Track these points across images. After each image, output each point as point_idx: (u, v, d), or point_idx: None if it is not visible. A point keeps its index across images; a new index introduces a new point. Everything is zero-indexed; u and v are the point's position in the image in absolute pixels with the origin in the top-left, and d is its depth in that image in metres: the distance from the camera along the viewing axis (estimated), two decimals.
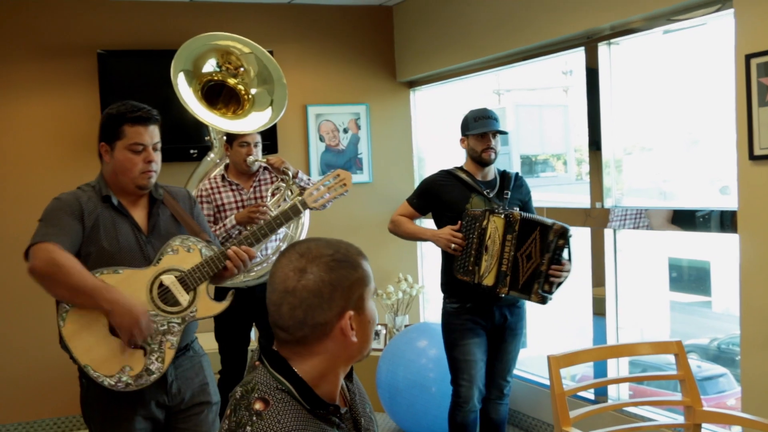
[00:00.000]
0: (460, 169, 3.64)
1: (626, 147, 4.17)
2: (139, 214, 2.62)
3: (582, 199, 4.26)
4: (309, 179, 3.99)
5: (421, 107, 5.67)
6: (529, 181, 3.78)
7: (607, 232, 4.02)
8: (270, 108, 4.05)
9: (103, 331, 2.46)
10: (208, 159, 4.37)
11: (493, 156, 3.54)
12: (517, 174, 3.68)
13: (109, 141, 2.58)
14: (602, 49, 4.01)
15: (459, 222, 3.42)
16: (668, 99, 4.74)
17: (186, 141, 4.92)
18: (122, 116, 2.56)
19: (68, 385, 4.85)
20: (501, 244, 3.33)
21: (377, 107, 5.56)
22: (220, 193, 3.97)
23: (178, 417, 2.61)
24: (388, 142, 5.60)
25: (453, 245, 3.38)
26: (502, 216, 3.33)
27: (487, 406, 3.61)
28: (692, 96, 4.59)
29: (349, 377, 1.70)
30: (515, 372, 4.60)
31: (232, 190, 3.99)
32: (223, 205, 3.95)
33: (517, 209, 3.44)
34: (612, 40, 3.97)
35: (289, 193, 3.97)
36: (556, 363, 2.72)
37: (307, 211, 4.03)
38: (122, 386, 2.45)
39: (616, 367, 4.07)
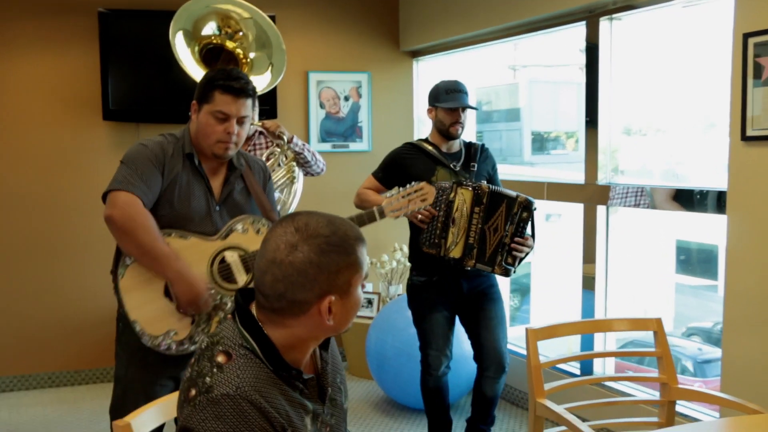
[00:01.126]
0: (425, 140, 3.64)
1: (630, 125, 4.17)
2: (216, 181, 2.65)
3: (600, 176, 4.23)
4: (304, 145, 4.00)
5: (424, 78, 5.65)
6: (541, 158, 3.77)
7: (600, 209, 4.02)
8: (269, 72, 4.04)
9: (158, 292, 2.52)
10: None
11: (460, 131, 3.53)
12: (482, 145, 3.68)
13: (199, 101, 2.59)
14: (604, 24, 3.98)
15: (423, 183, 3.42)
16: (671, 77, 4.71)
17: (188, 103, 4.90)
18: (216, 81, 2.56)
19: (64, 341, 4.96)
20: (469, 216, 3.34)
21: (379, 76, 5.55)
22: None
23: None
24: (389, 111, 5.59)
25: (420, 216, 3.37)
26: (471, 188, 3.34)
27: (484, 382, 3.57)
28: (695, 74, 4.56)
29: (324, 346, 1.72)
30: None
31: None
32: None
33: (485, 182, 3.45)
34: (614, 15, 3.94)
35: (284, 158, 3.98)
36: (533, 335, 2.75)
37: (301, 176, 4.06)
38: (164, 348, 2.50)
39: (603, 344, 4.10)
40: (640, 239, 5.40)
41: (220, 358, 1.50)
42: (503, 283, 4.00)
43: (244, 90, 2.56)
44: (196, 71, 3.85)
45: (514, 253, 3.33)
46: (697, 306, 6.78)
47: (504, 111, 7.51)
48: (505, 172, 6.56)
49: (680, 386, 2.84)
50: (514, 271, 3.38)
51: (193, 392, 1.48)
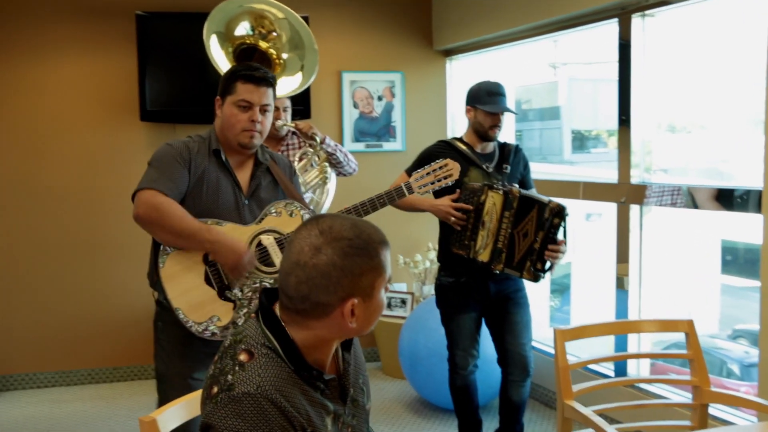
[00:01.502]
0: (459, 140, 3.62)
1: (673, 123, 4.11)
2: (243, 175, 2.70)
3: (636, 175, 4.18)
4: (336, 145, 4.03)
5: (457, 77, 5.64)
6: (581, 157, 3.74)
7: (633, 209, 3.98)
8: (300, 74, 4.07)
9: (199, 279, 2.56)
10: None
11: (497, 133, 3.52)
12: (517, 146, 3.66)
13: (223, 95, 2.67)
14: (636, 20, 3.94)
15: (457, 191, 3.41)
16: (711, 73, 4.63)
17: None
18: (237, 73, 2.65)
19: (103, 338, 5.07)
20: (498, 220, 3.32)
21: (413, 75, 5.56)
22: None
23: None
24: (423, 111, 5.60)
25: (453, 218, 3.37)
26: (501, 192, 3.32)
27: (509, 387, 3.56)
28: (740, 69, 4.47)
29: (346, 347, 1.73)
30: (537, 346, 4.63)
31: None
32: None
33: (516, 185, 3.43)
34: (647, 12, 3.90)
35: (317, 158, 4.02)
36: (561, 336, 2.73)
37: (333, 177, 4.09)
38: (208, 334, 2.54)
39: (638, 346, 4.06)
40: (682, 239, 5.32)
41: (243, 357, 1.52)
42: (541, 284, 3.98)
43: (265, 78, 2.65)
44: None
45: (546, 259, 3.30)
46: (744, 307, 6.64)
47: (543, 109, 7.46)
48: (544, 171, 6.53)
49: (713, 389, 2.80)
50: (543, 277, 3.35)
51: (215, 389, 1.50)
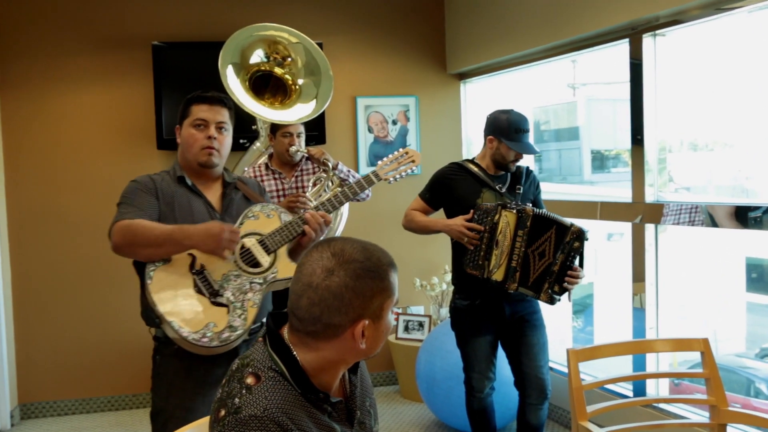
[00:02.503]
0: (472, 161, 3.66)
1: (695, 141, 4.12)
2: (213, 195, 2.78)
3: (650, 194, 4.19)
4: (349, 171, 4.08)
5: (472, 100, 5.68)
6: (601, 177, 3.76)
7: (648, 228, 3.98)
8: (314, 100, 4.11)
9: (189, 289, 2.60)
10: (254, 148, 4.50)
11: (515, 166, 3.58)
12: (527, 168, 3.68)
13: (180, 122, 2.76)
14: (647, 41, 3.96)
15: (471, 211, 3.44)
16: (730, 90, 4.63)
17: (240, 131, 5.04)
18: (191, 98, 2.76)
19: (122, 365, 5.12)
20: (512, 239, 3.33)
21: (427, 99, 5.61)
22: (263, 180, 4.09)
23: None
24: (438, 134, 5.64)
25: (466, 238, 3.40)
26: (515, 211, 3.34)
27: (527, 410, 3.56)
28: (751, 87, 4.47)
29: (353, 370, 1.76)
30: (557, 367, 4.62)
31: (275, 178, 4.10)
32: (264, 193, 4.07)
33: (530, 205, 3.45)
34: (658, 32, 3.92)
35: (330, 183, 4.06)
36: (574, 356, 2.74)
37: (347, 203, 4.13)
38: (206, 341, 2.55)
39: (656, 365, 4.04)
40: (705, 257, 5.28)
41: (249, 380, 1.55)
42: (564, 305, 3.96)
43: (217, 99, 2.75)
44: (247, 102, 3.94)
45: (565, 284, 3.32)
46: None
47: (562, 130, 7.46)
48: (564, 191, 6.52)
49: (731, 408, 2.79)
50: (560, 300, 3.36)
51: (223, 413, 1.52)
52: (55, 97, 5.05)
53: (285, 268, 2.69)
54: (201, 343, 2.55)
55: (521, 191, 3.58)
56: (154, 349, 2.76)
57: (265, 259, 2.68)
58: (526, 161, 3.73)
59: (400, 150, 3.19)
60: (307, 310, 1.55)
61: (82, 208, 5.09)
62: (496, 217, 3.35)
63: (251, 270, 2.67)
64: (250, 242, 2.68)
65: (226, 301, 2.61)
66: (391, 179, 3.16)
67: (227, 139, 2.77)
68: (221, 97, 2.77)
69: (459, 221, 3.45)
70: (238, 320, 2.60)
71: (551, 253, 3.30)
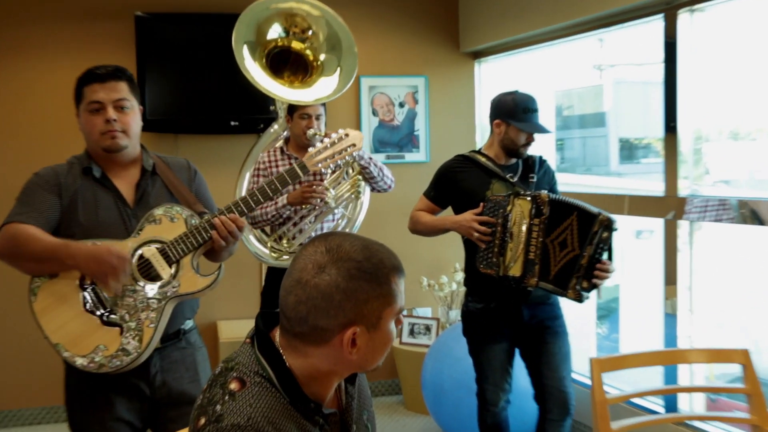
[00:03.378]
0: (479, 152, 3.63)
1: (737, 130, 4.09)
2: (126, 186, 2.67)
3: (685, 187, 4.15)
4: (370, 158, 4.05)
5: (487, 81, 5.64)
6: (630, 168, 3.74)
7: (682, 225, 3.94)
8: (337, 78, 4.03)
9: (77, 308, 2.53)
10: (272, 130, 4.45)
11: (528, 150, 3.55)
12: (540, 157, 3.66)
13: (77, 108, 2.69)
14: (683, 17, 3.91)
15: (481, 204, 3.40)
16: (767, 75, 4.58)
17: (256, 112, 5.06)
18: (81, 78, 2.66)
19: (57, 373, 5.07)
20: (528, 229, 3.30)
21: (437, 80, 5.57)
22: (277, 165, 4.07)
23: (167, 413, 2.64)
24: (449, 118, 5.60)
25: (476, 234, 3.36)
26: (528, 198, 3.31)
27: (547, 427, 3.53)
28: None
29: (350, 379, 1.73)
30: (579, 379, 4.58)
31: (291, 163, 4.08)
32: None
33: (545, 190, 3.42)
34: (696, 7, 3.87)
35: (350, 170, 4.03)
36: (598, 366, 2.70)
37: (367, 190, 4.10)
38: (94, 367, 2.48)
39: (690, 378, 4.00)
40: (745, 257, 5.23)
41: (233, 386, 1.53)
42: (587, 309, 3.93)
43: (109, 74, 2.63)
44: (264, 81, 3.86)
45: (594, 279, 3.27)
46: None
47: (587, 115, 7.41)
48: (588, 183, 6.48)
49: None
50: (588, 298, 3.32)
51: (203, 421, 1.50)
52: (23, 71, 5.00)
53: (188, 282, 2.58)
54: (89, 369, 2.49)
55: (535, 179, 3.55)
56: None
57: (165, 272, 2.57)
58: (539, 150, 3.70)
59: (339, 132, 2.89)
60: (294, 308, 1.53)
61: None
62: (509, 207, 3.32)
63: (150, 284, 2.57)
64: (150, 252, 2.57)
65: (119, 321, 2.53)
66: (324, 169, 2.96)
67: (132, 116, 2.65)
68: (114, 70, 2.65)
69: (468, 216, 3.42)
70: (131, 342, 2.51)
71: (575, 243, 3.26)
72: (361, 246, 1.55)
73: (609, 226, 3.23)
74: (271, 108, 4.40)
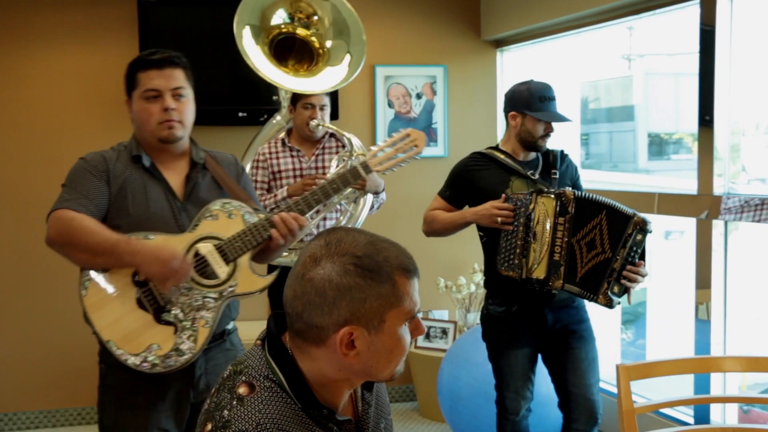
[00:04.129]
0: (496, 148, 3.62)
1: (761, 123, 4.06)
2: (176, 179, 2.69)
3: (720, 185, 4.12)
4: (383, 200, 4.07)
5: (510, 71, 5.61)
6: (659, 164, 3.72)
7: (716, 224, 3.90)
8: (345, 64, 4.02)
9: (131, 304, 2.54)
10: (274, 121, 4.45)
11: (547, 142, 3.52)
12: (562, 152, 3.64)
13: (129, 93, 2.68)
14: (722, 1, 3.87)
15: (503, 196, 3.38)
16: None
17: (258, 102, 5.06)
18: (135, 63, 2.65)
19: (93, 374, 5.07)
20: (552, 229, 3.28)
21: (457, 70, 5.55)
22: (278, 158, 4.07)
23: None
24: (469, 110, 5.58)
25: (500, 219, 3.33)
26: (552, 196, 3.29)
27: None
28: None
29: (368, 386, 1.72)
30: (603, 386, 4.55)
31: (292, 156, 4.08)
32: (279, 172, 4.05)
33: (569, 188, 3.40)
34: None
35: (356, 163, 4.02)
36: (626, 374, 2.67)
37: None
38: (147, 366, 2.50)
39: (723, 387, 3.97)
40: None
41: (242, 390, 1.53)
42: (611, 313, 3.89)
43: (168, 60, 2.63)
44: (267, 69, 3.87)
45: (626, 282, 3.23)
46: None
47: (614, 109, 7.37)
48: (615, 180, 6.45)
49: None
50: (619, 302, 3.29)
51: (209, 426, 1.51)
52: (21, 58, 5.01)
53: (245, 282, 2.59)
54: (141, 369, 2.50)
55: (557, 176, 3.53)
56: (99, 354, 2.68)
57: (222, 270, 2.58)
58: (562, 144, 3.67)
59: (400, 132, 2.94)
60: (291, 303, 1.53)
61: (53, 189, 5.03)
62: (531, 205, 3.31)
63: (205, 282, 2.58)
64: (206, 249, 2.58)
65: (173, 319, 2.54)
66: (386, 171, 2.95)
67: (189, 105, 2.67)
68: (172, 57, 2.65)
69: (488, 204, 3.41)
70: (186, 343, 2.53)
71: (606, 244, 3.23)
72: (366, 242, 1.53)
73: (643, 228, 3.20)
74: (274, 98, 4.39)
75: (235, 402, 1.51)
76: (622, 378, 2.68)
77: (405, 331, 1.55)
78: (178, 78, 2.64)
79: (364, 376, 1.58)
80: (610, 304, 3.25)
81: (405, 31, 5.47)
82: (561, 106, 3.56)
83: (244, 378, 1.55)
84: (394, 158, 2.90)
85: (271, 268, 4.15)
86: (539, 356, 3.60)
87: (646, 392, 4.24)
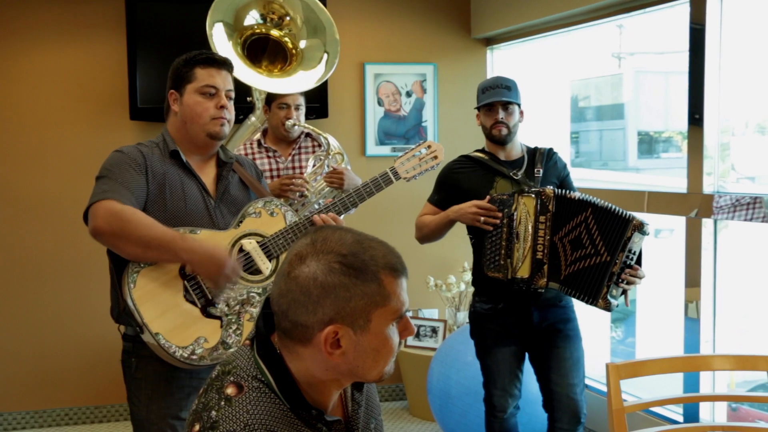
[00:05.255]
0: (481, 150, 3.65)
1: (757, 123, 4.09)
2: (207, 177, 2.77)
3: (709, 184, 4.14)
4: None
5: (500, 69, 5.63)
6: (648, 163, 3.73)
7: (706, 224, 3.93)
8: (318, 66, 4.07)
9: (178, 297, 2.60)
10: (249, 122, 4.47)
11: (504, 132, 3.53)
12: (550, 150, 3.66)
13: (179, 87, 2.74)
14: (712, 1, 3.90)
15: (487, 197, 3.41)
16: None
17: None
18: (194, 59, 2.73)
19: (83, 373, 5.09)
20: (534, 227, 3.32)
21: (447, 68, 5.56)
22: (254, 159, 4.07)
23: None
24: (459, 109, 5.59)
25: (482, 218, 3.36)
26: (533, 195, 3.32)
27: None
28: None
29: (358, 386, 1.73)
30: (593, 385, 4.58)
31: (268, 157, 4.08)
32: None
33: (550, 186, 3.42)
34: None
35: (333, 163, 4.03)
36: (615, 372, 2.69)
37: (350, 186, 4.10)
38: (196, 359, 2.56)
39: (712, 385, 4.00)
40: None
41: (230, 390, 1.53)
42: (602, 312, 3.89)
43: (225, 62, 2.77)
44: (241, 69, 3.90)
45: (624, 285, 3.25)
46: None
47: (604, 107, 7.39)
48: (604, 179, 6.47)
49: None
50: (617, 305, 3.29)
51: (197, 427, 1.51)
52: (6, 55, 5.00)
53: None
54: (190, 361, 2.55)
55: (541, 173, 3.55)
56: (125, 351, 2.74)
57: (266, 266, 2.69)
58: (549, 142, 3.69)
59: (421, 143, 3.16)
60: (277, 301, 1.54)
61: (39, 188, 5.05)
62: (513, 206, 3.35)
63: (250, 277, 2.67)
64: (251, 245, 2.68)
65: (219, 313, 2.61)
66: (410, 178, 3.14)
67: (233, 108, 2.79)
68: (228, 61, 2.79)
69: (470, 203, 3.44)
70: (232, 336, 2.60)
71: (600, 246, 3.22)
72: (352, 240, 1.53)
73: (642, 230, 3.21)
74: (248, 99, 4.41)
75: (223, 402, 1.51)
76: (612, 377, 2.70)
77: (393, 332, 1.55)
78: (231, 81, 2.78)
79: (351, 377, 1.59)
80: (608, 308, 3.27)
81: (395, 28, 5.48)
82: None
83: (232, 378, 1.55)
84: (418, 167, 3.12)
85: None
86: (526, 355, 3.63)
87: (635, 391, 4.27)
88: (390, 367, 1.58)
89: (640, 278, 3.27)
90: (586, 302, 3.31)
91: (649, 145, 7.13)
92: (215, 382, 1.57)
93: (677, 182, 4.22)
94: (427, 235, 3.65)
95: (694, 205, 3.95)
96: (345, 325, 1.50)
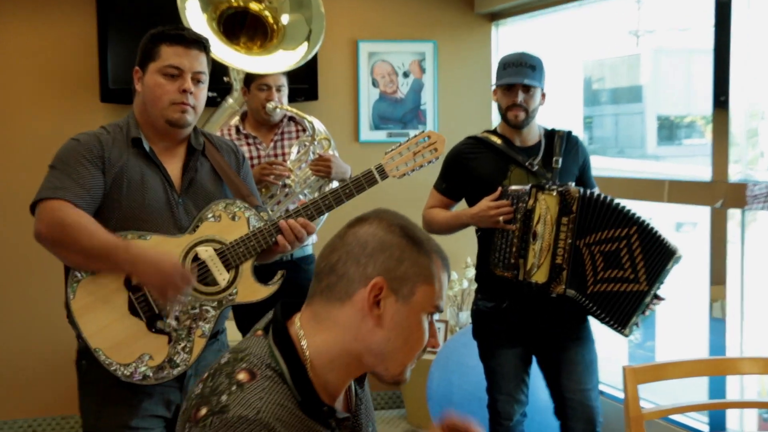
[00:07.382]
0: (493, 132, 3.61)
1: None
2: (173, 168, 2.72)
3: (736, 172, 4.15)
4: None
5: (505, 47, 5.62)
6: (669, 150, 3.71)
7: (731, 214, 3.93)
8: (301, 43, 4.06)
9: (122, 309, 2.57)
10: (226, 105, 4.45)
11: (521, 116, 3.48)
12: (569, 133, 3.62)
13: (143, 64, 2.69)
14: None
15: (499, 189, 3.39)
16: None
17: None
18: (161, 35, 2.66)
19: (49, 380, 5.08)
20: (555, 229, 3.28)
21: (448, 45, 5.57)
22: None
23: None
24: (461, 90, 5.60)
25: (501, 217, 3.34)
26: (555, 193, 3.29)
27: None
28: None
29: (360, 382, 1.79)
30: (608, 391, 4.58)
31: (249, 144, 4.07)
32: None
33: (573, 183, 3.41)
34: None
35: (318, 150, 4.01)
36: (633, 376, 2.70)
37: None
38: (139, 378, 2.54)
39: (740, 391, 4.00)
40: None
41: (242, 376, 1.58)
42: None
43: (195, 39, 2.67)
44: (216, 46, 3.88)
45: (647, 311, 3.30)
46: None
47: (620, 89, 7.40)
48: (621, 167, 6.48)
49: None
50: (635, 332, 3.34)
51: (204, 411, 1.55)
52: None
53: (247, 290, 2.63)
54: (132, 380, 2.54)
55: (559, 164, 3.52)
56: (78, 352, 2.70)
57: (223, 277, 2.62)
58: (567, 126, 3.67)
59: (418, 134, 3.01)
60: (326, 257, 1.66)
61: (2, 175, 5.03)
62: (531, 201, 3.30)
63: (204, 289, 2.61)
64: (206, 253, 2.62)
65: (168, 328, 2.57)
66: (401, 176, 3.00)
67: (203, 92, 2.71)
68: (200, 38, 2.70)
69: (484, 204, 3.42)
70: (181, 354, 2.57)
71: (641, 273, 3.23)
72: (415, 224, 1.69)
73: (679, 260, 3.25)
74: (225, 79, 4.39)
75: (234, 387, 1.56)
76: (630, 381, 2.70)
77: (426, 324, 1.66)
78: (202, 62, 2.68)
79: (374, 358, 1.64)
80: (628, 335, 3.31)
81: (391, 3, 5.47)
82: (532, 73, 3.47)
83: (245, 365, 1.60)
84: (412, 162, 2.97)
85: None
86: (533, 357, 3.62)
87: (655, 397, 4.26)
88: (410, 369, 1.68)
89: (660, 302, 3.33)
90: (611, 326, 3.31)
91: (669, 130, 7.13)
92: (225, 367, 1.61)
93: (701, 171, 4.21)
94: (437, 232, 3.60)
95: (719, 195, 3.95)
96: (391, 284, 1.61)
